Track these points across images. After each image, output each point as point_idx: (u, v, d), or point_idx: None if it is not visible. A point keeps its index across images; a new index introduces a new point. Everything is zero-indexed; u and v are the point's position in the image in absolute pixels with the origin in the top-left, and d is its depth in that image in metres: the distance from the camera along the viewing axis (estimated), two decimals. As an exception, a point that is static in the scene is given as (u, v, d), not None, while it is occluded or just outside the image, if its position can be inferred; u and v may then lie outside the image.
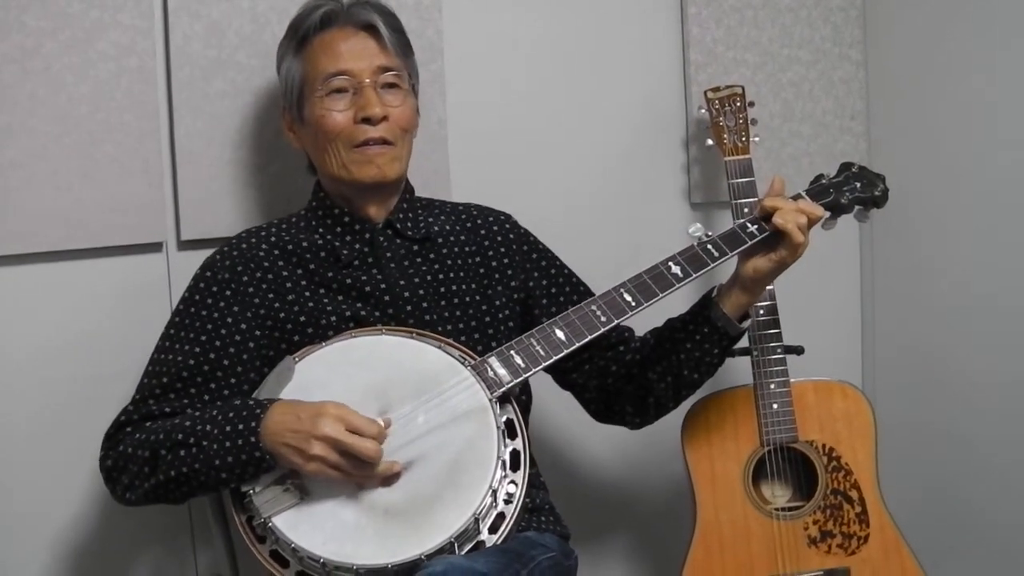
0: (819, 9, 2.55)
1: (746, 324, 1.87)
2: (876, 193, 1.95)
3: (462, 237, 1.94)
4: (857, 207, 1.94)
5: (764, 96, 2.48)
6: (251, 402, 1.64)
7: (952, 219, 2.44)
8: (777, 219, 1.78)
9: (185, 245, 2.08)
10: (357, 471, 1.58)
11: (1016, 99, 2.27)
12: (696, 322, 1.86)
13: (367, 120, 1.80)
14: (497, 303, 1.90)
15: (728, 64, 2.47)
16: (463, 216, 1.97)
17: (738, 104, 2.27)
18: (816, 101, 2.56)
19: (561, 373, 1.98)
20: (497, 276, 1.92)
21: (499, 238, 1.96)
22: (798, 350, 2.20)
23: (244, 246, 1.84)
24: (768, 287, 2.04)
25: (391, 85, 1.84)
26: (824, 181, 1.94)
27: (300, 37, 1.85)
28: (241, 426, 1.60)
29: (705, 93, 2.31)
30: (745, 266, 1.82)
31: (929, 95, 2.48)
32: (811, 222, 1.80)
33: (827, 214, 1.87)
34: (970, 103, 2.38)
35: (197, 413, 1.68)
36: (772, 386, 2.12)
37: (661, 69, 2.46)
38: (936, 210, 2.47)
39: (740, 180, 2.21)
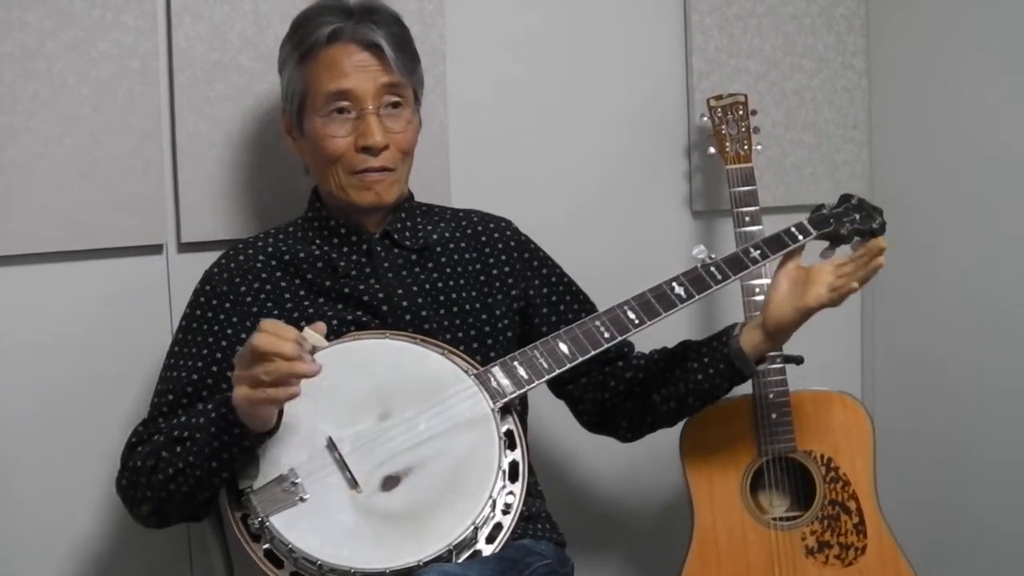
0: (822, 18, 2.55)
1: (762, 367, 1.88)
2: (874, 226, 1.97)
3: (462, 244, 1.93)
4: (856, 238, 1.96)
5: (766, 104, 2.48)
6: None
7: (953, 229, 2.45)
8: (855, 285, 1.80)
9: (185, 247, 2.07)
10: (277, 372, 1.48)
11: (1018, 108, 2.28)
12: (713, 356, 1.87)
13: (367, 149, 1.79)
14: (497, 312, 1.89)
15: (731, 72, 2.47)
16: (463, 223, 1.97)
17: (740, 112, 2.27)
18: (819, 110, 2.56)
19: (556, 383, 1.97)
20: (497, 284, 1.92)
21: (500, 245, 1.96)
22: (797, 360, 2.20)
23: (241, 258, 1.84)
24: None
25: (395, 105, 1.82)
26: (825, 211, 1.96)
27: (304, 50, 1.81)
28: (224, 409, 1.57)
29: (708, 101, 2.31)
30: (768, 314, 1.84)
31: (932, 104, 2.48)
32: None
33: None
34: (972, 112, 2.38)
35: (193, 411, 1.68)
36: (771, 396, 2.12)
37: (664, 76, 2.46)
38: (937, 220, 2.47)
39: (742, 188, 2.21)
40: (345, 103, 1.79)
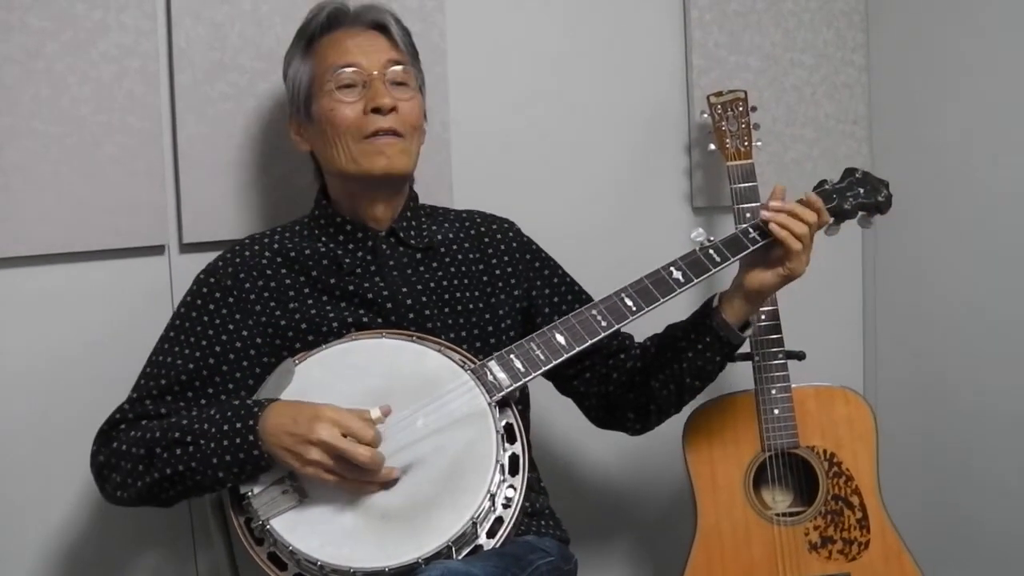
0: (822, 13, 2.55)
1: (748, 332, 1.87)
2: (879, 199, 1.95)
3: (465, 244, 1.93)
4: (860, 213, 1.94)
5: (767, 100, 2.48)
6: (250, 402, 1.64)
7: (954, 224, 2.44)
8: (773, 226, 1.77)
9: (187, 248, 2.08)
10: (354, 476, 1.57)
11: (1018, 103, 2.27)
12: (697, 331, 1.86)
13: (377, 110, 1.79)
14: (500, 311, 1.89)
15: (731, 68, 2.47)
16: (466, 223, 1.97)
17: (740, 108, 2.27)
18: (819, 105, 2.56)
19: (562, 380, 1.98)
20: (500, 284, 1.92)
21: (502, 246, 1.96)
22: (800, 355, 2.20)
23: (247, 253, 1.84)
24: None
25: (400, 83, 1.83)
26: (827, 187, 1.94)
27: (308, 39, 1.85)
28: (239, 425, 1.59)
29: (708, 97, 2.30)
30: (750, 278, 1.82)
31: (932, 99, 2.48)
32: (812, 228, 1.80)
33: (829, 218, 1.86)
34: (973, 107, 2.38)
35: (195, 412, 1.68)
36: (773, 391, 2.12)
37: (664, 73, 2.46)
38: (938, 215, 2.47)
39: (742, 185, 2.21)
40: (352, 75, 1.81)
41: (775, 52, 2.51)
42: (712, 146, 2.30)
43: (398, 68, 1.83)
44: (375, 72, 1.81)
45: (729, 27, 2.47)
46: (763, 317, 2.13)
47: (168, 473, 1.63)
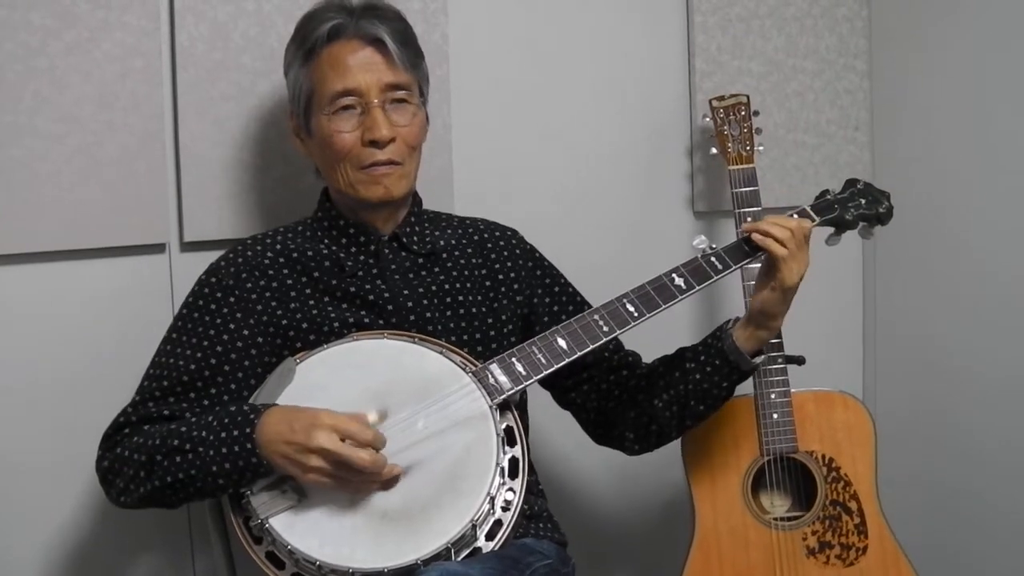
0: (825, 19, 2.55)
1: (759, 359, 1.87)
2: (880, 210, 1.95)
3: (468, 250, 1.93)
4: (861, 224, 1.95)
5: (769, 105, 2.49)
6: (246, 408, 1.64)
7: (955, 230, 2.45)
8: (756, 236, 1.78)
9: (188, 247, 2.08)
10: (356, 478, 1.57)
11: (1019, 110, 2.27)
12: (708, 353, 1.86)
13: (374, 143, 1.79)
14: (503, 316, 1.89)
15: (733, 73, 2.47)
16: (470, 230, 1.97)
17: (743, 113, 2.27)
18: (821, 111, 2.56)
19: (560, 391, 1.98)
20: (503, 290, 1.92)
21: (505, 252, 1.96)
22: (799, 360, 2.19)
23: (249, 253, 1.84)
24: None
25: (400, 101, 1.82)
26: (829, 197, 1.94)
27: (308, 48, 1.82)
28: (236, 432, 1.59)
29: (710, 102, 2.31)
30: (754, 300, 1.82)
31: (933, 106, 2.48)
32: (794, 233, 1.79)
33: (811, 224, 1.86)
34: (974, 113, 2.38)
35: (193, 419, 1.68)
36: (773, 396, 2.12)
37: (666, 77, 2.46)
38: (939, 221, 2.47)
39: (744, 189, 2.21)
40: (350, 100, 1.79)
41: (777, 57, 2.51)
42: (714, 150, 2.30)
43: (397, 92, 1.81)
44: (374, 100, 1.79)
45: (732, 32, 2.47)
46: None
47: (168, 481, 1.63)
